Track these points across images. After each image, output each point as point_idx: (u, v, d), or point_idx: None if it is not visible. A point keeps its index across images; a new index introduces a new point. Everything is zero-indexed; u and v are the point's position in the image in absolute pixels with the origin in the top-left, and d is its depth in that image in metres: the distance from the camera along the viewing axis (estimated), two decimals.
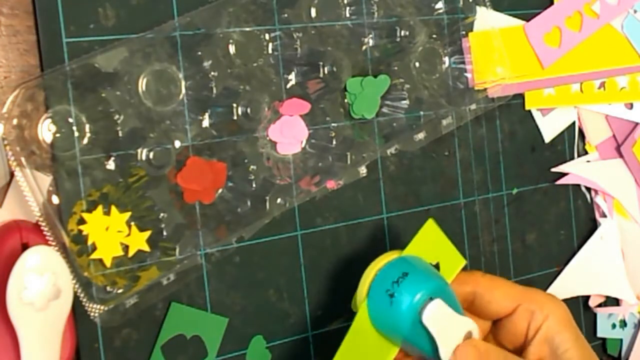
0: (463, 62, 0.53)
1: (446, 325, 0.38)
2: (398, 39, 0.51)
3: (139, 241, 0.43)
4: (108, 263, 0.42)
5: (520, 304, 0.42)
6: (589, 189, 0.62)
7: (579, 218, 0.61)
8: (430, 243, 0.43)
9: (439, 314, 0.38)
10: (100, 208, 0.42)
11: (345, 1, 0.49)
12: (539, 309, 0.42)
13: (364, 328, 0.40)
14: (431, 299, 0.38)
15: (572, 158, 0.60)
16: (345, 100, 0.49)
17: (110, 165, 0.42)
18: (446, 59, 0.53)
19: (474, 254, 0.56)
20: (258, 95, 0.46)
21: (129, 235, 0.42)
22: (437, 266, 0.42)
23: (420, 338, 0.38)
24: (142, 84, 0.43)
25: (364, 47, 0.50)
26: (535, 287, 0.59)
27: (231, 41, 0.45)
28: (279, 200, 0.47)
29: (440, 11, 0.53)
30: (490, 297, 0.42)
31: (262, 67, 0.47)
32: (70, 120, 0.41)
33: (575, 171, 0.60)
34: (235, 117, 0.45)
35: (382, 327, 0.40)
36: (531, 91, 0.57)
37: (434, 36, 0.52)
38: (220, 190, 0.45)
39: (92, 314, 0.41)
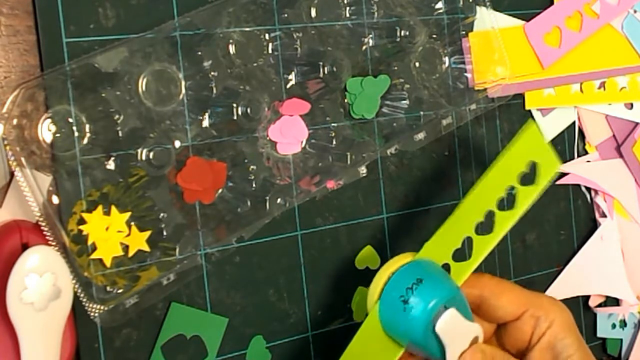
0: (463, 62, 0.53)
1: (457, 332, 0.38)
2: (398, 39, 0.50)
3: (139, 241, 0.43)
4: (108, 263, 0.42)
5: (526, 310, 0.42)
6: (589, 189, 0.62)
7: (579, 218, 0.61)
8: (531, 145, 0.43)
9: (451, 323, 0.38)
10: (100, 208, 0.42)
11: (345, 1, 0.49)
12: (545, 315, 0.42)
13: (374, 329, 0.40)
14: (445, 307, 0.38)
15: (572, 158, 0.60)
16: (345, 100, 0.49)
17: (110, 165, 0.42)
18: (446, 59, 0.53)
19: None
20: (258, 95, 0.46)
21: (129, 235, 0.42)
22: (533, 166, 0.42)
23: (430, 343, 0.38)
24: (142, 84, 0.43)
25: (364, 47, 0.50)
26: (536, 287, 0.59)
27: (231, 41, 0.45)
28: (279, 200, 0.47)
29: (440, 11, 0.53)
30: (497, 303, 0.42)
31: (262, 67, 0.46)
32: (70, 120, 0.41)
33: (575, 171, 0.60)
34: (235, 117, 0.45)
35: (392, 331, 0.40)
36: (531, 91, 0.57)
37: (434, 36, 0.52)
38: (220, 190, 0.45)
39: (92, 314, 0.41)
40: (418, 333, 0.38)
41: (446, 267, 0.41)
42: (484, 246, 0.41)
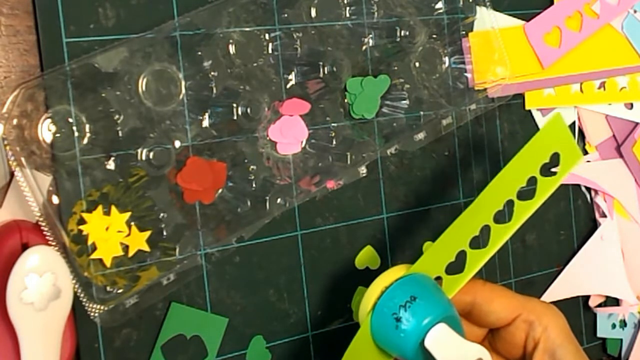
0: (463, 62, 0.53)
1: (453, 350, 0.37)
2: (398, 39, 0.51)
3: (139, 241, 0.43)
4: (108, 263, 0.42)
5: (519, 315, 0.42)
6: (589, 189, 0.62)
7: (579, 218, 0.61)
8: (554, 135, 0.43)
9: (443, 339, 0.37)
10: (100, 208, 0.42)
11: (345, 1, 0.49)
12: (538, 320, 0.41)
13: (365, 342, 0.40)
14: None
15: None
16: (345, 100, 0.49)
17: (110, 165, 0.42)
18: (446, 59, 0.53)
19: None
20: (258, 95, 0.46)
21: (129, 235, 0.42)
22: (556, 156, 0.42)
23: None
24: (142, 84, 0.43)
25: (364, 47, 0.50)
26: (536, 287, 0.59)
27: (231, 41, 0.45)
28: (279, 200, 0.47)
29: (440, 11, 0.53)
30: (489, 308, 0.42)
31: (262, 67, 0.47)
32: (70, 120, 0.41)
33: (575, 171, 0.60)
34: (235, 117, 0.45)
35: (384, 345, 0.39)
36: (531, 91, 0.57)
37: (434, 36, 0.52)
38: (220, 190, 0.45)
39: (92, 314, 0.41)
40: (410, 350, 0.38)
41: (462, 254, 0.41)
42: (501, 235, 0.41)
